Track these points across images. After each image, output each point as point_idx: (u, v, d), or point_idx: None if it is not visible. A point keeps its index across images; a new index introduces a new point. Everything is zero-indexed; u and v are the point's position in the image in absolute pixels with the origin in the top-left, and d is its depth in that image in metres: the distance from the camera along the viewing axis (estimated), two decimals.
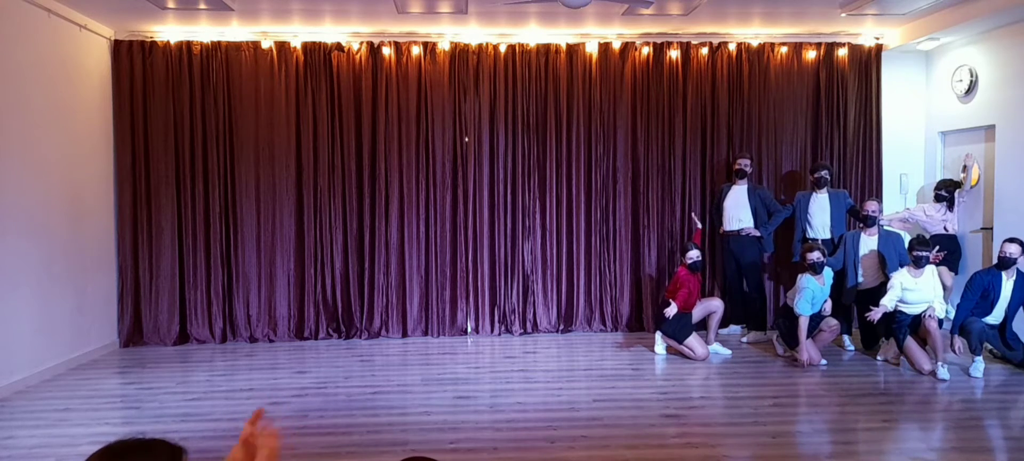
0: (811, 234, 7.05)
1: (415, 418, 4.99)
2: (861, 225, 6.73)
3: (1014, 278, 5.91)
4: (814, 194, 7.09)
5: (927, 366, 5.88)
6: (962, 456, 4.22)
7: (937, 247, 6.44)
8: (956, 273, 6.86)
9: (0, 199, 5.58)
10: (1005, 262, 5.88)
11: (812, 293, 6.21)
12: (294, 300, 7.47)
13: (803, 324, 6.21)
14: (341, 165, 7.43)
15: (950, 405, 5.27)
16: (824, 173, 7.02)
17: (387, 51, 7.44)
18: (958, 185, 7.05)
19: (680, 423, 4.81)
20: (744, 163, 7.20)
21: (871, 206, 6.66)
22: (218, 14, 6.73)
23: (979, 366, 5.87)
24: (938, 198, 7.05)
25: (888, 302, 6.02)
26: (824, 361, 6.28)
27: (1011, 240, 5.90)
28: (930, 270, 6.05)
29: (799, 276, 6.33)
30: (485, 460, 4.20)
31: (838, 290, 6.69)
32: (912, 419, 5.08)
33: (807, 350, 6.16)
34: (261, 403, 5.32)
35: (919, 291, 6.00)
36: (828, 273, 6.40)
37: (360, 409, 5.16)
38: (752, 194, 7.15)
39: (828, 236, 6.98)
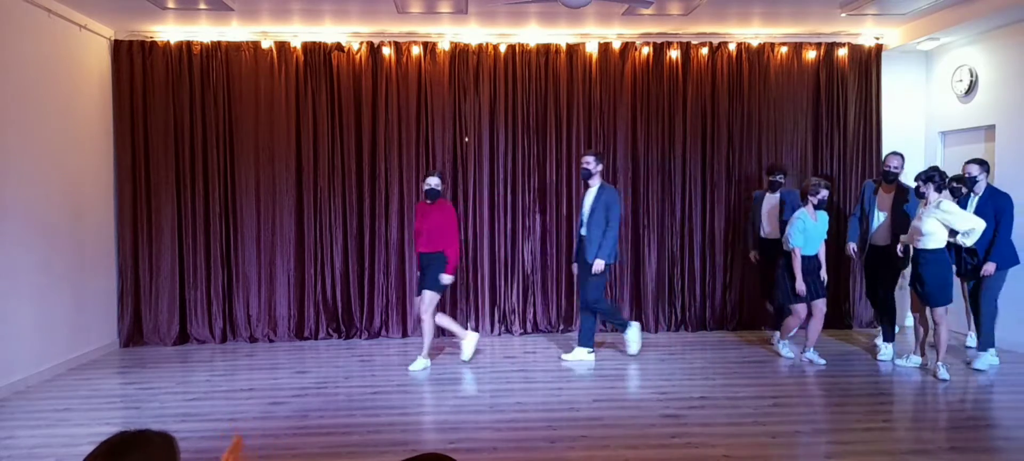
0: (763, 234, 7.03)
1: (415, 418, 4.99)
2: (878, 180, 6.61)
3: (979, 196, 6.07)
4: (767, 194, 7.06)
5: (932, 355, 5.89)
6: (962, 456, 4.22)
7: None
8: None
9: (0, 199, 5.59)
10: (969, 182, 6.06)
11: (804, 225, 6.12)
12: (294, 300, 7.47)
13: (796, 258, 6.12)
14: (341, 165, 7.43)
15: (950, 405, 5.27)
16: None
17: (387, 51, 7.44)
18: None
19: (680, 423, 4.81)
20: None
21: (893, 161, 6.46)
22: (218, 14, 6.73)
23: (984, 360, 5.86)
24: (953, 191, 6.95)
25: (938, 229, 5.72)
26: (823, 361, 6.27)
27: (970, 162, 6.10)
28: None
29: (795, 211, 6.26)
30: (485, 460, 4.20)
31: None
32: (912, 419, 5.09)
33: (791, 346, 6.18)
34: (261, 403, 5.32)
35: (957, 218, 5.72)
36: (823, 215, 6.27)
37: (360, 409, 5.16)
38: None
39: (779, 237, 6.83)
